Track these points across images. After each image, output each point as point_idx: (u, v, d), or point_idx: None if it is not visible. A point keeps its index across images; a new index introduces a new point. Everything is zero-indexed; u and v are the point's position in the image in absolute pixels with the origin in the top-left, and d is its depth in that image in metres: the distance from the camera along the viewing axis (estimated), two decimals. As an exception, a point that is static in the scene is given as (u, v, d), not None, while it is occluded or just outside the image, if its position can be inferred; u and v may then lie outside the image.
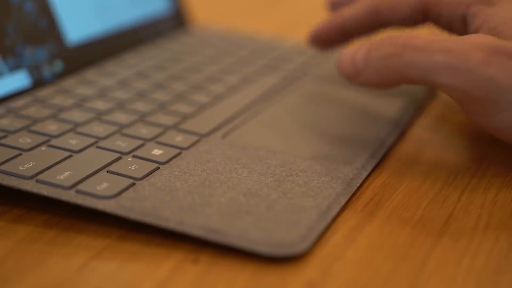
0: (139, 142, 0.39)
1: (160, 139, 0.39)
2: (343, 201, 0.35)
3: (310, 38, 0.48)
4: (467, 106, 0.36)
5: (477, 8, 0.39)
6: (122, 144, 0.38)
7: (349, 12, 0.45)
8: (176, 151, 0.38)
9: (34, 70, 0.45)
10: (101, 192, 0.33)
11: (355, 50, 0.39)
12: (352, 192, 0.36)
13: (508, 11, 0.38)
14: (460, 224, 0.34)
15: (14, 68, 0.42)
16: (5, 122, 0.39)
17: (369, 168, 0.38)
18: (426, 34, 0.37)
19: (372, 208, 0.35)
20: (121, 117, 0.42)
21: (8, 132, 0.38)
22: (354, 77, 0.39)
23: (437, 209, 0.35)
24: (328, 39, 0.47)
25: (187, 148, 0.38)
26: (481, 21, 0.38)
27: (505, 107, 0.35)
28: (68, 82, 0.46)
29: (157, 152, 0.38)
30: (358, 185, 0.36)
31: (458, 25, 0.40)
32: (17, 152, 0.36)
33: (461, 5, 0.39)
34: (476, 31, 0.38)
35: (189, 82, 0.48)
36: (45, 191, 0.33)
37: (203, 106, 0.45)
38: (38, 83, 0.45)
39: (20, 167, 0.34)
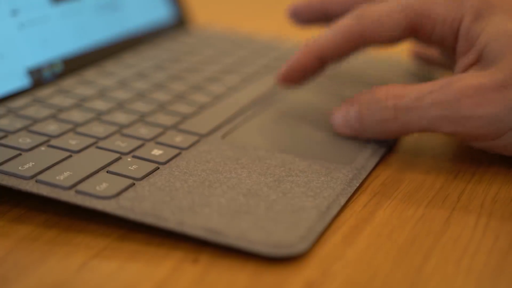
0: (139, 142, 0.39)
1: (160, 139, 0.39)
2: (342, 201, 0.35)
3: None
4: (471, 141, 0.38)
5: (467, 23, 0.38)
6: (121, 144, 0.38)
7: (326, 37, 0.41)
8: (176, 151, 0.38)
9: (34, 70, 0.45)
10: (100, 192, 0.33)
11: (345, 110, 0.40)
12: (352, 192, 0.36)
13: (496, 25, 0.38)
14: (460, 224, 0.34)
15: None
16: (5, 122, 0.39)
17: (369, 168, 0.38)
18: (402, 86, 0.37)
19: (372, 208, 0.35)
20: (121, 117, 0.42)
21: (8, 132, 0.38)
22: (356, 136, 0.40)
23: (437, 209, 0.35)
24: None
25: (187, 148, 0.38)
26: (469, 42, 0.38)
27: (508, 129, 0.36)
28: (68, 82, 0.46)
29: (156, 152, 0.38)
30: (357, 185, 0.36)
31: (451, 41, 0.39)
32: (17, 152, 0.36)
33: (455, 21, 0.39)
34: (465, 51, 0.38)
35: (189, 82, 0.48)
36: (44, 191, 0.33)
37: (203, 106, 0.45)
38: (38, 83, 0.45)
39: (20, 167, 0.34)
